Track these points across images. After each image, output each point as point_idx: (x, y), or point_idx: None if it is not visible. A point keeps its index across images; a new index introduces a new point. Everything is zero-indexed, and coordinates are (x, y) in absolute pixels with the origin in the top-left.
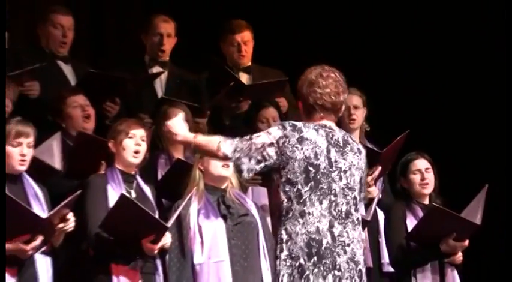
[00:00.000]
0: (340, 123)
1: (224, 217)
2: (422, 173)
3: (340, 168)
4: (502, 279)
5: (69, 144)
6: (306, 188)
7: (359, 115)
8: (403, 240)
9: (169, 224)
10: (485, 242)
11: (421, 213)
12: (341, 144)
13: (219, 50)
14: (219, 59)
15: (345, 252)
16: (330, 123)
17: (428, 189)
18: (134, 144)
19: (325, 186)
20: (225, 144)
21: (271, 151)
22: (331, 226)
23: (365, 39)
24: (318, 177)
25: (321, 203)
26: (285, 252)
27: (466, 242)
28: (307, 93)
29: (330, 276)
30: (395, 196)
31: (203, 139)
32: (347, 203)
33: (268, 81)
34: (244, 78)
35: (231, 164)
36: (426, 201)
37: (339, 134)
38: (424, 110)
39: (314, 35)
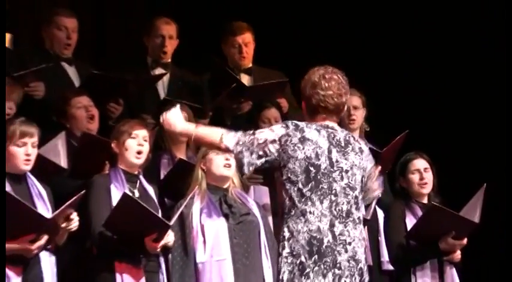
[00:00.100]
0: (340, 124)
1: (226, 216)
2: (421, 172)
3: (342, 168)
4: (501, 277)
5: (74, 144)
6: (307, 188)
7: (359, 115)
8: (402, 239)
9: (172, 222)
10: (483, 240)
11: (420, 212)
12: (343, 145)
13: (220, 51)
14: (221, 60)
15: (346, 251)
16: (333, 124)
17: (427, 188)
18: (137, 144)
19: (325, 186)
20: (228, 137)
21: (273, 148)
22: (331, 225)
23: (364, 40)
24: (319, 177)
25: (321, 203)
26: (287, 250)
27: (465, 240)
28: (310, 95)
29: (330, 275)
30: (394, 195)
31: (205, 130)
32: (348, 202)
33: (269, 82)
34: (245, 79)
35: (232, 164)
36: (425, 201)
37: (341, 134)
38: (422, 111)
39: (314, 36)
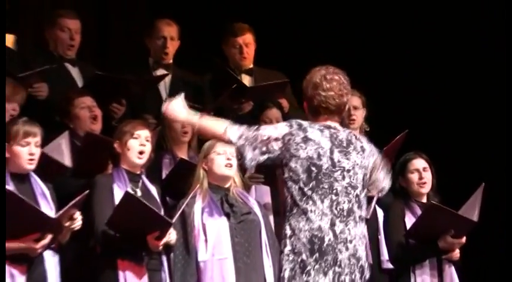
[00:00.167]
0: (341, 124)
1: (227, 215)
2: (420, 172)
3: (344, 167)
4: (500, 275)
5: (77, 144)
6: (308, 187)
7: (359, 116)
8: (402, 238)
9: (173, 220)
10: (482, 239)
11: (419, 211)
12: (345, 144)
13: (221, 52)
14: (222, 61)
15: (347, 249)
16: (335, 124)
17: (426, 188)
18: (139, 144)
19: (326, 186)
20: (232, 130)
21: (276, 145)
22: (332, 224)
23: (363, 40)
24: (320, 177)
25: (322, 202)
26: (288, 248)
27: (464, 239)
28: (312, 96)
29: (330, 273)
30: (394, 195)
31: (209, 121)
32: (349, 201)
33: (269, 83)
34: (246, 80)
35: (234, 164)
36: (424, 200)
37: (343, 134)
38: (421, 111)
39: (314, 36)
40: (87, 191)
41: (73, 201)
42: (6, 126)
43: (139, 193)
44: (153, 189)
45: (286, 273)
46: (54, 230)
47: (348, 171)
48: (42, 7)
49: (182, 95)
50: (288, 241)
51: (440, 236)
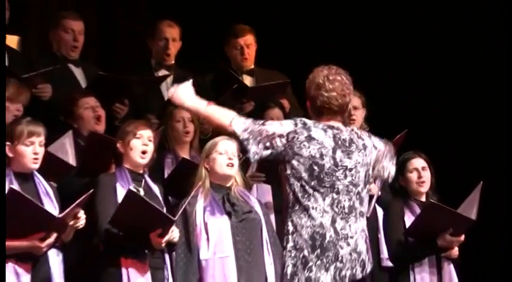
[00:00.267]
0: (343, 124)
1: (229, 214)
2: (419, 171)
3: (346, 166)
4: (498, 273)
5: (81, 144)
6: (310, 185)
7: (358, 116)
8: (401, 236)
9: (176, 217)
10: (481, 238)
11: (418, 210)
12: (347, 144)
13: (223, 53)
14: (223, 62)
15: (348, 245)
16: (338, 124)
17: (425, 187)
18: (141, 144)
19: (328, 185)
20: (237, 122)
21: (280, 142)
22: (333, 221)
23: (363, 41)
24: (322, 176)
25: (324, 200)
26: (291, 244)
27: (462, 237)
28: (314, 96)
29: (332, 268)
30: (393, 194)
31: (216, 110)
32: (350, 199)
33: (270, 83)
34: (247, 80)
35: (235, 163)
36: (423, 199)
37: (345, 134)
38: (420, 111)
39: (314, 37)
40: (92, 190)
41: (78, 201)
42: (11, 127)
43: (142, 192)
44: (156, 189)
45: (289, 270)
46: (59, 229)
47: (350, 170)
48: (46, 8)
49: (190, 81)
50: (290, 237)
51: (439, 234)
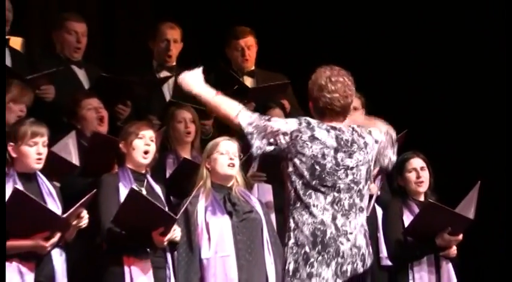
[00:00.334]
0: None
1: (230, 214)
2: (418, 171)
3: (348, 166)
4: (496, 272)
5: (84, 144)
6: (311, 184)
7: (358, 116)
8: (400, 236)
9: (178, 216)
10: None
11: (417, 210)
12: (349, 145)
13: (224, 54)
14: (224, 63)
15: (348, 240)
16: (340, 125)
17: (424, 187)
18: (144, 144)
19: (329, 184)
20: (244, 115)
21: (283, 139)
22: (334, 218)
23: (362, 42)
24: (323, 175)
25: (325, 198)
26: (292, 240)
27: (460, 236)
28: (317, 97)
29: (333, 264)
30: (392, 194)
31: (224, 100)
32: (350, 197)
33: (271, 84)
34: (248, 81)
35: (236, 163)
36: (422, 199)
37: (347, 134)
38: (419, 112)
39: (313, 38)
40: (95, 191)
41: (81, 201)
42: (14, 127)
43: (144, 192)
44: (158, 189)
45: (291, 266)
46: (63, 229)
47: (352, 169)
48: (47, 9)
49: (201, 68)
50: (291, 234)
51: (438, 234)
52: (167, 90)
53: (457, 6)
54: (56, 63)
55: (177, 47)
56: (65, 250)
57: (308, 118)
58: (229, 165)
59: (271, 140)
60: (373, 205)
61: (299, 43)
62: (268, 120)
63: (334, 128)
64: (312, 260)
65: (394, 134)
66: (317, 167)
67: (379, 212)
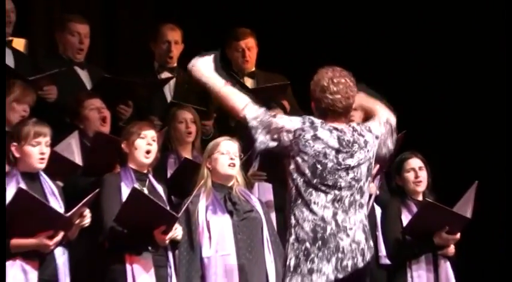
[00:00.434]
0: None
1: (230, 213)
2: (416, 171)
3: (349, 165)
4: (496, 271)
5: (87, 144)
6: (312, 182)
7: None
8: (398, 235)
9: (179, 214)
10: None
11: (415, 209)
12: (350, 145)
13: (224, 56)
14: (225, 64)
15: (348, 236)
16: (342, 126)
17: (422, 186)
18: (146, 144)
19: (330, 183)
20: (251, 109)
21: (287, 137)
22: (334, 214)
23: (362, 42)
24: (324, 174)
25: (326, 196)
26: (293, 236)
27: (458, 235)
28: (319, 98)
29: (333, 259)
30: (391, 193)
31: (232, 92)
32: (351, 195)
33: (271, 84)
34: (248, 82)
35: (237, 163)
36: (420, 198)
37: (348, 135)
38: (418, 112)
39: (313, 39)
40: (98, 190)
41: (84, 200)
42: (17, 127)
43: (146, 192)
44: (160, 188)
45: (292, 262)
46: (66, 227)
47: (353, 168)
48: (49, 10)
49: (213, 55)
50: (292, 230)
51: (436, 233)
52: (168, 91)
53: (457, 6)
54: (58, 64)
55: (178, 49)
56: (67, 249)
57: (312, 117)
58: (229, 165)
59: (275, 136)
60: (372, 204)
61: (299, 44)
62: (274, 116)
63: (336, 129)
64: (312, 255)
65: (394, 121)
66: (318, 166)
67: (378, 211)
